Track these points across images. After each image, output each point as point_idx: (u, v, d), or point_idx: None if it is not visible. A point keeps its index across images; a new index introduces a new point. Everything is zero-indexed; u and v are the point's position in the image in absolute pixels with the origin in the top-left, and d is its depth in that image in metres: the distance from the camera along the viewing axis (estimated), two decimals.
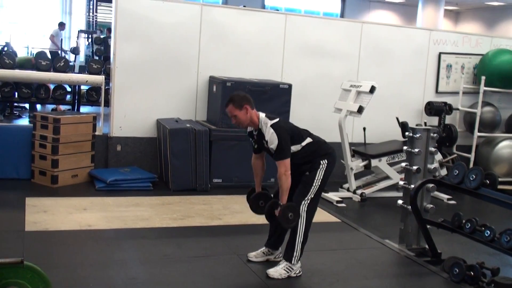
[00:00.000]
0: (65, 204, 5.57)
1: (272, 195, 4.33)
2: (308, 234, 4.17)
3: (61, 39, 14.19)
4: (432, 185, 4.78)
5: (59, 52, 13.07)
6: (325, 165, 4.14)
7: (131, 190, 6.20)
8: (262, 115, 4.10)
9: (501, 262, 4.67)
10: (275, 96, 6.77)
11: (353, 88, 6.74)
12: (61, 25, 15.25)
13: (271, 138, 3.99)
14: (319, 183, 4.12)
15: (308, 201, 4.11)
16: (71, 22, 18.18)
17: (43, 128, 6.28)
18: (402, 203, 4.96)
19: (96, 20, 17.22)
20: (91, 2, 17.55)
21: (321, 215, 5.97)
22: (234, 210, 5.83)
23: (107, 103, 7.33)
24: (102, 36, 14.35)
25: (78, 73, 9.92)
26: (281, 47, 7.30)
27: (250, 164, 6.74)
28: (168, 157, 6.37)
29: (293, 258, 4.14)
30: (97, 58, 11.52)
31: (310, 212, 4.14)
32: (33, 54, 13.13)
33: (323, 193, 6.63)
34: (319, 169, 4.12)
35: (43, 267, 2.88)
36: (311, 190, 4.11)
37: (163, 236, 4.92)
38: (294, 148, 4.10)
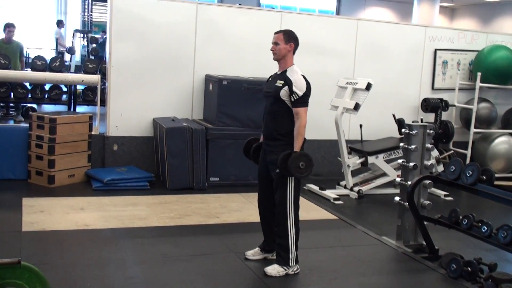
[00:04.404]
0: (62, 204, 5.56)
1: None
2: (299, 232, 4.17)
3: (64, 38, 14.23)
4: (429, 181, 4.79)
5: (65, 51, 13.06)
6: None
7: (128, 189, 6.19)
8: (295, 64, 4.20)
9: (498, 257, 4.69)
10: None
11: (349, 85, 6.74)
12: (60, 23, 15.22)
13: (300, 84, 4.06)
14: (292, 183, 4.10)
15: (292, 202, 4.11)
16: (66, 22, 18.11)
17: (39, 128, 6.27)
18: (399, 199, 4.97)
19: (91, 20, 17.16)
20: (86, 1, 17.47)
21: (319, 213, 5.98)
22: (231, 208, 5.83)
23: (103, 103, 7.32)
24: (97, 36, 14.34)
25: (74, 72, 9.90)
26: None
27: (247, 162, 6.76)
28: (165, 156, 6.36)
29: (290, 260, 4.13)
30: (92, 57, 11.49)
31: (296, 211, 4.15)
32: (28, 54, 13.09)
33: (320, 191, 6.68)
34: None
35: (41, 267, 2.88)
36: (289, 191, 4.09)
37: (161, 235, 4.91)
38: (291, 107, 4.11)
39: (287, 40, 4.16)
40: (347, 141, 6.92)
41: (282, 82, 4.10)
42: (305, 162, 3.95)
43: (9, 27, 9.00)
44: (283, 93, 4.07)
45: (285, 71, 4.16)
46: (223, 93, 6.62)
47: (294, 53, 4.21)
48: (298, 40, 4.22)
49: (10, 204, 5.53)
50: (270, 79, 4.34)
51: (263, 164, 4.29)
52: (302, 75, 4.13)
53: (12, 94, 8.54)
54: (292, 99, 4.05)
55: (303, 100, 4.07)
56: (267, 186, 4.27)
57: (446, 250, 4.69)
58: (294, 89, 4.04)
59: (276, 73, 4.28)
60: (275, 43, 4.19)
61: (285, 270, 4.12)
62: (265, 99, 4.35)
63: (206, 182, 6.53)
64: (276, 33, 4.23)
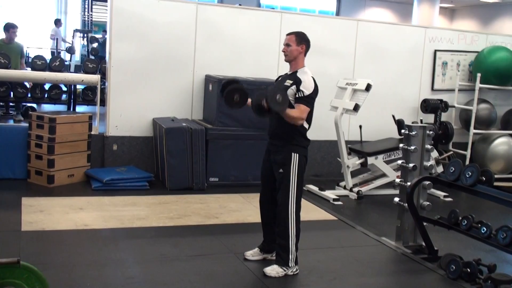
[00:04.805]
0: (61, 203, 5.56)
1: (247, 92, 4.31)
2: (299, 233, 4.17)
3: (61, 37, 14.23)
4: (429, 182, 4.79)
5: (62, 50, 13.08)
6: (296, 161, 4.10)
7: (127, 189, 6.19)
8: (306, 66, 4.22)
9: (497, 258, 4.69)
10: None
11: (349, 86, 6.74)
12: (58, 22, 15.20)
13: (308, 84, 4.07)
14: (295, 184, 4.10)
15: (294, 203, 4.11)
16: (66, 22, 18.11)
17: (38, 127, 6.26)
18: (399, 200, 4.96)
19: (91, 20, 17.17)
20: (86, 1, 17.48)
21: (318, 213, 5.98)
22: (230, 208, 5.83)
23: (103, 103, 7.32)
24: (98, 36, 14.34)
25: (74, 72, 9.90)
26: (277, 46, 7.28)
27: (246, 162, 6.79)
28: (165, 156, 6.36)
29: (290, 261, 4.13)
30: (92, 57, 11.49)
31: (298, 212, 4.15)
32: (28, 53, 13.09)
33: (319, 192, 6.68)
34: (291, 167, 4.09)
35: (40, 267, 2.88)
36: (291, 192, 4.09)
37: (160, 235, 4.91)
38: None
39: (299, 42, 4.16)
40: (347, 142, 6.92)
41: (291, 81, 4.10)
42: (282, 97, 3.92)
43: (13, 28, 8.97)
44: (290, 92, 4.07)
45: (296, 71, 4.16)
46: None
47: (305, 55, 4.21)
48: (310, 42, 4.23)
49: (9, 203, 5.53)
50: (279, 79, 4.34)
51: (267, 163, 4.29)
52: (312, 77, 4.13)
53: (12, 93, 8.54)
54: (297, 96, 4.05)
55: (307, 99, 4.07)
56: (269, 186, 4.27)
57: (445, 251, 4.69)
58: (301, 87, 4.05)
59: (286, 73, 4.28)
60: (287, 45, 4.18)
61: (285, 270, 4.12)
62: None
63: (206, 182, 6.52)
64: (288, 34, 4.23)
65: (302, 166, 4.14)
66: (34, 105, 9.47)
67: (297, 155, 4.11)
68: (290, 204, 4.09)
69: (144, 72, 6.87)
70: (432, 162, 5.04)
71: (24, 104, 9.26)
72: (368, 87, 6.52)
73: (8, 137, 6.39)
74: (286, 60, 4.24)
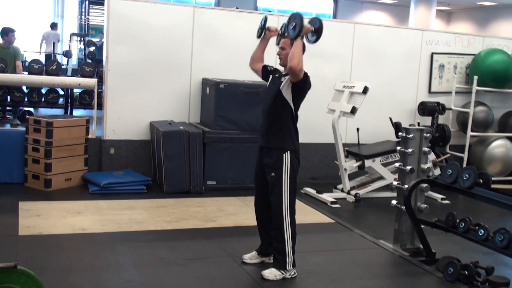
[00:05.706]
0: (58, 207, 5.55)
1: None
2: (295, 236, 4.16)
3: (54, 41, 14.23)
4: (426, 185, 4.79)
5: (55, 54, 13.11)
6: (288, 164, 4.08)
7: (125, 193, 6.18)
8: None
9: (495, 261, 4.69)
10: None
11: (346, 89, 6.75)
12: (54, 26, 15.21)
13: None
14: (288, 186, 4.09)
15: (288, 205, 4.10)
16: (63, 25, 18.13)
17: (35, 131, 6.25)
18: (396, 203, 4.97)
19: (88, 23, 17.18)
20: (83, 5, 17.50)
21: (316, 216, 5.98)
22: (228, 212, 5.82)
23: (100, 106, 7.31)
24: (95, 40, 14.36)
25: (71, 76, 9.89)
26: (274, 49, 7.27)
27: (244, 165, 6.73)
28: (162, 159, 6.36)
29: (287, 264, 4.12)
30: (89, 61, 11.49)
31: (292, 215, 4.14)
32: (25, 57, 13.09)
33: (317, 194, 6.68)
34: (284, 170, 4.07)
35: (37, 271, 2.87)
36: (284, 195, 4.08)
37: (158, 239, 4.90)
38: (291, 104, 4.12)
39: None
40: (344, 145, 6.92)
41: (286, 77, 4.11)
42: (319, 31, 4.16)
43: (12, 32, 8.94)
44: (284, 83, 4.07)
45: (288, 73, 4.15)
46: (220, 96, 6.62)
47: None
48: (305, 46, 4.21)
49: (6, 208, 5.51)
50: (276, 75, 4.30)
51: (260, 166, 4.29)
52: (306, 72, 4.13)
53: (8, 97, 8.53)
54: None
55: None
56: (263, 189, 4.26)
57: (443, 253, 4.69)
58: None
59: (281, 72, 4.27)
60: (282, 48, 4.18)
61: (282, 274, 4.12)
62: (263, 99, 4.34)
63: (203, 186, 6.52)
64: (283, 38, 4.22)
65: (294, 168, 4.13)
66: (31, 109, 9.46)
67: (289, 158, 4.10)
68: (284, 207, 4.09)
69: (141, 75, 6.87)
70: (429, 164, 5.06)
71: (21, 108, 9.25)
72: (365, 90, 6.53)
73: (5, 141, 6.38)
74: (281, 64, 4.24)
